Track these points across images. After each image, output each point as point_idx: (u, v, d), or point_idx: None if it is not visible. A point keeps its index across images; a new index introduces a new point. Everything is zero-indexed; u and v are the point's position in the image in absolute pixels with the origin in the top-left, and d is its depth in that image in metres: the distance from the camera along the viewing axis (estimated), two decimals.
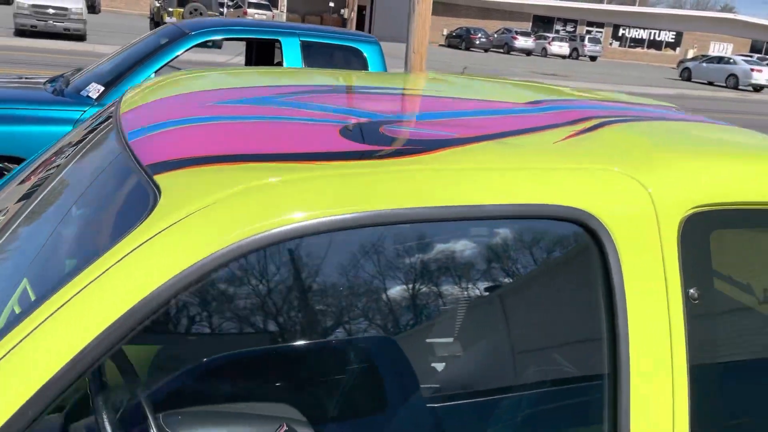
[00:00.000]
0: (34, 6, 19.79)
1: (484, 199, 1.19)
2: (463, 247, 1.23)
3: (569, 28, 52.70)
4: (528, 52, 43.08)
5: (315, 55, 5.48)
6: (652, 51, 55.74)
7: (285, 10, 43.56)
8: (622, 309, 1.25)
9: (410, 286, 1.23)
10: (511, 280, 1.29)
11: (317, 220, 1.07)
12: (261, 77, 1.89)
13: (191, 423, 1.35)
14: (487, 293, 1.27)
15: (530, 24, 50.21)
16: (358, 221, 1.09)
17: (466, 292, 1.26)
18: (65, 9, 20.23)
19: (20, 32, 19.78)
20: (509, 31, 43.60)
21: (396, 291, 1.24)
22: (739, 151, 1.46)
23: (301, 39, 5.50)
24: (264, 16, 35.53)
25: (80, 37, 20.34)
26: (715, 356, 1.35)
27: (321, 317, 1.27)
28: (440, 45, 43.99)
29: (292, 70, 2.06)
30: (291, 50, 5.45)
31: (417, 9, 8.96)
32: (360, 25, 43.50)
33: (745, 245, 1.41)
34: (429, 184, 1.16)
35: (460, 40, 41.74)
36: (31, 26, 19.65)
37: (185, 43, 5.18)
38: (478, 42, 40.86)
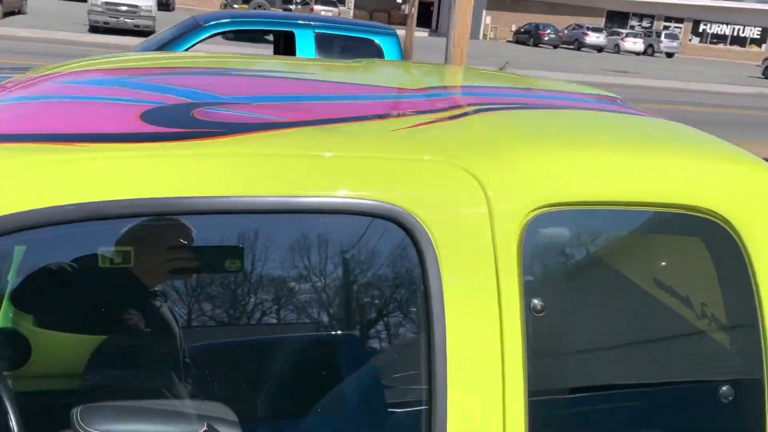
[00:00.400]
0: (106, 3, 20.76)
1: (278, 189, 1.06)
2: (251, 246, 1.10)
3: (645, 23, 50.65)
4: (599, 49, 41.62)
5: (330, 47, 5.40)
6: (736, 48, 52.94)
7: (352, 7, 43.77)
8: (440, 325, 1.08)
9: (191, 285, 1.11)
10: (307, 288, 1.15)
11: (59, 207, 0.97)
12: (155, 60, 1.81)
13: (107, 418, 1.29)
14: (280, 303, 1.14)
15: (603, 20, 48.53)
16: (104, 210, 0.98)
17: (254, 300, 1.14)
18: (136, 6, 21.15)
19: (94, 28, 20.70)
20: (580, 26, 42.27)
21: (169, 289, 1.13)
22: (613, 146, 1.27)
23: (315, 31, 5.43)
24: (330, 13, 35.77)
25: (150, 34, 21.04)
26: (563, 380, 1.17)
27: (65, 310, 1.18)
28: (508, 41, 43.19)
29: (195, 54, 1.97)
30: (305, 42, 5.39)
31: (458, 1, 8.76)
32: (427, 21, 43.20)
33: (602, 248, 1.23)
34: (210, 171, 1.04)
35: (528, 36, 40.80)
36: (104, 23, 20.60)
37: (199, 34, 5.21)
38: (546, 38, 39.82)
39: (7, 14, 23.02)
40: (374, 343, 1.18)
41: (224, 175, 1.05)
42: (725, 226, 1.23)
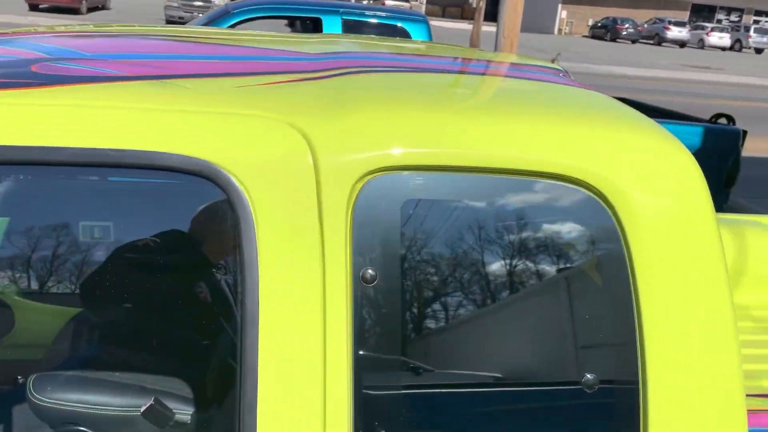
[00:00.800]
0: None
1: (82, 139, 1.01)
2: (48, 200, 1.05)
3: (734, 17, 48.04)
4: (682, 44, 39.73)
5: (358, 34, 5.36)
6: None
7: (425, 2, 43.58)
8: (252, 293, 1.01)
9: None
10: (110, 245, 1.09)
11: None
12: (91, 27, 1.81)
13: (57, 387, 1.31)
14: (86, 266, 1.09)
15: (688, 13, 46.26)
16: None
17: (68, 263, 1.09)
18: (209, 1, 21.87)
19: (170, 23, 21.48)
20: (661, 20, 40.49)
21: None
22: (480, 110, 1.14)
23: (343, 17, 5.40)
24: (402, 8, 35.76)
25: None
26: (397, 355, 1.07)
27: None
28: (584, 36, 41.88)
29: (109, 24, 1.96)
30: (332, 28, 5.37)
31: None
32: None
33: (452, 216, 1.11)
34: (8, 120, 1.00)
35: (605, 31, 39.43)
36: (179, 17, 21.38)
37: (227, 20, 5.28)
38: (624, 32, 38.36)
39: (90, 10, 24.19)
40: (182, 311, 1.12)
41: (25, 124, 1.01)
42: (599, 199, 1.10)
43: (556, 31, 42.31)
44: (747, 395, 1.96)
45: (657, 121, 5.16)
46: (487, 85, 1.36)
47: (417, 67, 1.46)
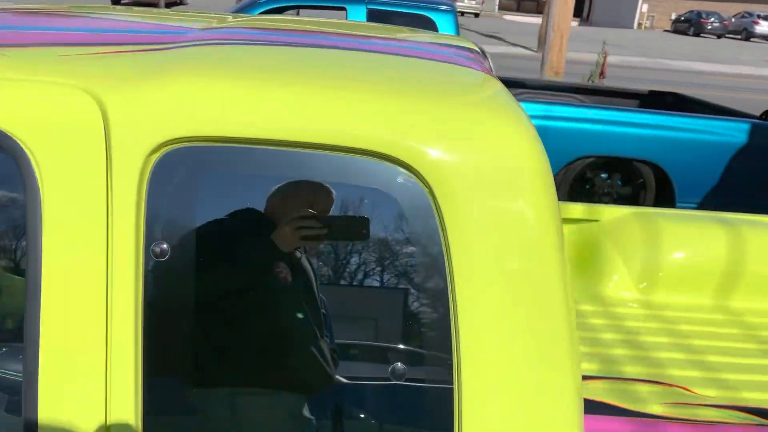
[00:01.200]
0: None
1: None
2: None
3: None
4: None
5: (382, 23, 5.29)
6: None
7: None
8: (35, 266, 0.98)
9: None
10: None
11: None
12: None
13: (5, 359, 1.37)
14: None
15: None
16: None
17: None
18: None
19: None
20: (750, 14, 38.34)
21: None
22: (304, 82, 1.06)
23: (368, 6, 5.34)
24: (474, 2, 35.30)
25: None
26: (186, 330, 1.02)
27: None
28: (665, 30, 40.13)
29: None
30: (357, 18, 5.32)
31: None
32: (578, 9, 41.32)
33: (244, 191, 1.05)
34: None
35: (688, 25, 37.65)
36: None
37: (255, 9, 5.33)
38: (709, 27, 36.50)
39: (168, 5, 25.08)
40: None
41: None
42: (418, 181, 1.01)
43: (635, 25, 40.74)
44: (723, 406, 1.78)
45: (704, 117, 4.81)
46: (336, 58, 1.27)
47: (287, 41, 1.40)
